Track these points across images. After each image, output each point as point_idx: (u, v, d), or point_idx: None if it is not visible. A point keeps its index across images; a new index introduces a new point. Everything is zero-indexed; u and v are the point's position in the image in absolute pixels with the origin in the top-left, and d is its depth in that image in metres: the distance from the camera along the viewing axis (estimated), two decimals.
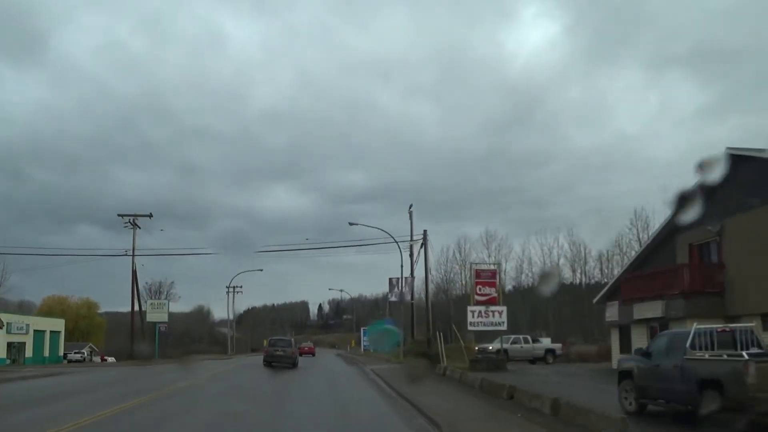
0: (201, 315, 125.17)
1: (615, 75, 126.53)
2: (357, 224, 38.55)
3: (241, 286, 79.25)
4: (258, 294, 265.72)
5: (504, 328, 29.20)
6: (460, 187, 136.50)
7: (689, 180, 16.98)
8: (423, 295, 41.78)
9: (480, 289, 29.14)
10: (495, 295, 29.29)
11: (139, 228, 45.00)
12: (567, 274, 67.81)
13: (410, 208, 43.03)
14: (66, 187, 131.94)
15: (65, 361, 60.48)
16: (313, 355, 65.78)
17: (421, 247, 34.50)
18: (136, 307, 52.72)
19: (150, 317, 60.83)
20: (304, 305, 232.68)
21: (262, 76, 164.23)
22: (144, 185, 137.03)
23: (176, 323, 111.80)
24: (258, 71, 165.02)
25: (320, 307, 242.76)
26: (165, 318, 60.83)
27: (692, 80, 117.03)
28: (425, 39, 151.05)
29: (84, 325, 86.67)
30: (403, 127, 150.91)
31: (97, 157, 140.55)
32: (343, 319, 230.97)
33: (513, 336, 37.32)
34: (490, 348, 35.43)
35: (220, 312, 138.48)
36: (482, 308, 28.78)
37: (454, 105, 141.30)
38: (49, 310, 79.91)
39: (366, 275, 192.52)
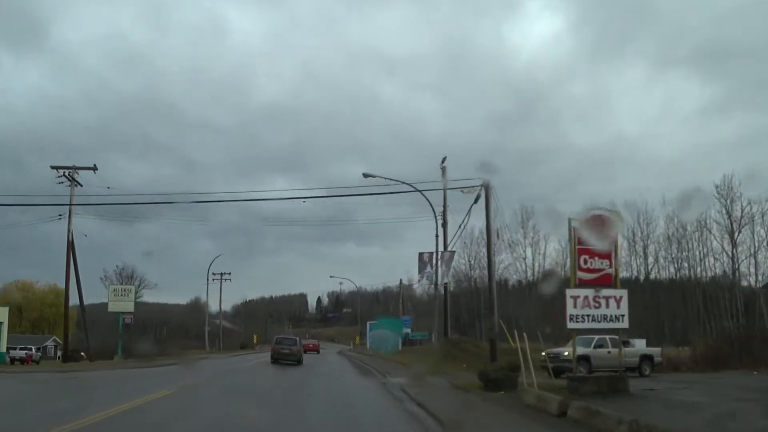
0: (197, 307, 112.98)
1: (619, 72, 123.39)
2: (373, 176, 26.80)
3: (229, 273, 67.70)
4: (256, 286, 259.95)
5: (625, 325, 17.34)
6: (462, 182, 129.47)
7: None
8: (454, 281, 30.18)
9: (585, 262, 17.36)
10: (611, 271, 17.50)
11: (80, 186, 33.41)
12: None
13: (443, 162, 31.39)
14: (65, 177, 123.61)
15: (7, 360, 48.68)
16: (318, 352, 63.40)
17: (475, 202, 22.57)
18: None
19: (112, 307, 49.17)
20: (302, 298, 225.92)
21: (265, 68, 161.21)
22: (145, 176, 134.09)
23: (172, 316, 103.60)
24: (261, 63, 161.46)
25: (319, 299, 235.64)
26: (130, 308, 49.14)
27: (696, 78, 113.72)
28: (430, 32, 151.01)
29: (50, 315, 75.07)
30: (406, 121, 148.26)
31: (97, 147, 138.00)
32: (343, 313, 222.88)
33: (596, 337, 25.68)
34: (566, 354, 23.72)
35: (217, 304, 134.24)
36: (589, 292, 17.04)
37: (457, 99, 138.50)
38: (6, 297, 68.05)
39: (365, 269, 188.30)
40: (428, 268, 26.37)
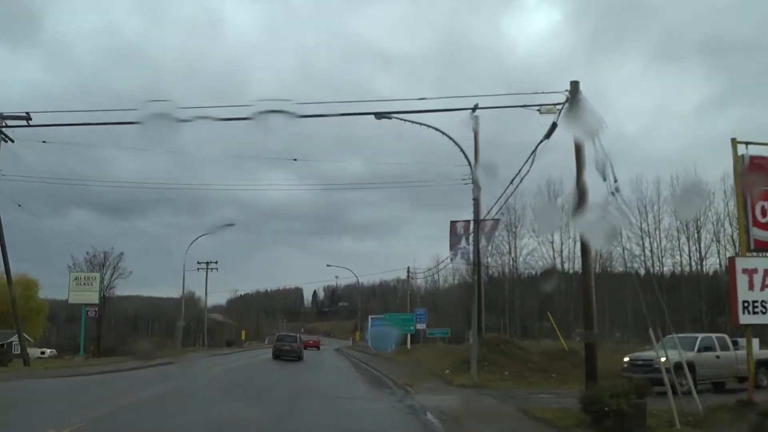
0: (191, 301, 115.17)
1: (617, 65, 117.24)
2: (389, 116, 19.37)
3: (216, 262, 60.20)
4: (250, 280, 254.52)
5: None
6: (458, 175, 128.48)
7: None
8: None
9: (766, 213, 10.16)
10: None
11: (10, 142, 25.93)
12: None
13: (473, 110, 24.06)
14: (60, 171, 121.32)
15: None
16: (318, 348, 64.16)
17: (566, 105, 14.48)
18: None
19: (74, 298, 41.77)
20: (298, 292, 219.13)
21: (260, 62, 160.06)
22: (139, 170, 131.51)
23: (164, 311, 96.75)
24: (257, 56, 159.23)
25: (315, 293, 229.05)
26: (94, 299, 41.73)
27: (695, 72, 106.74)
28: (426, 26, 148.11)
29: (19, 309, 67.34)
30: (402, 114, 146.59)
31: (91, 140, 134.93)
32: (339, 307, 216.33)
33: (700, 336, 18.51)
34: (660, 359, 16.34)
35: (212, 298, 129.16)
36: None
37: (454, 93, 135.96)
38: None
39: (362, 263, 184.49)
40: (462, 243, 19.11)
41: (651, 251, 44.39)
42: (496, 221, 19.58)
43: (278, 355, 35.17)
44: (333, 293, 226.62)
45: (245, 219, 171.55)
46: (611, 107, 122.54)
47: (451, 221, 20.08)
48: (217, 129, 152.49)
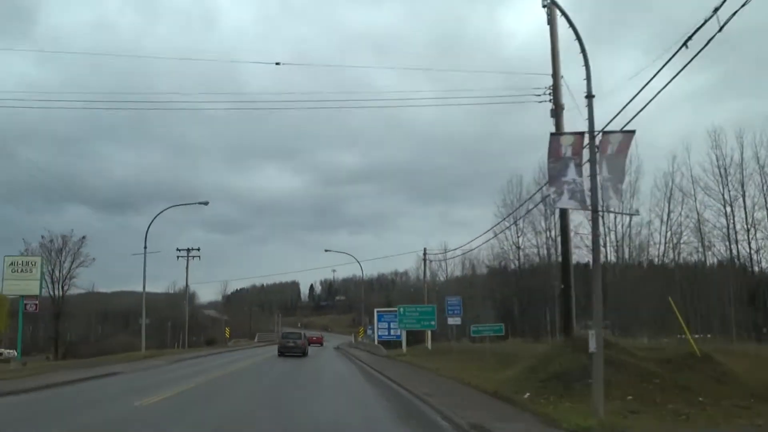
0: (183, 296, 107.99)
1: (613, 57, 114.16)
2: None
3: (198, 249, 51.25)
4: (245, 275, 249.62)
5: None
6: (455, 169, 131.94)
7: None
8: None
9: None
10: None
11: None
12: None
13: None
14: (54, 166, 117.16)
15: None
16: (321, 344, 64.41)
17: None
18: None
19: (9, 287, 32.88)
20: (294, 286, 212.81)
21: (254, 53, 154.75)
22: (134, 165, 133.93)
23: (155, 305, 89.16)
24: (251, 49, 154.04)
25: (312, 287, 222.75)
26: (34, 290, 32.85)
27: (692, 63, 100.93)
28: (423, 16, 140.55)
29: None
30: (398, 107, 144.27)
31: (85, 135, 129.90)
32: (336, 301, 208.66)
33: None
34: None
35: (206, 295, 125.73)
36: None
37: (450, 84, 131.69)
38: None
39: (359, 256, 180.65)
40: (571, 172, 10.40)
41: None
42: (630, 134, 10.88)
43: (283, 352, 36.15)
44: (330, 287, 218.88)
45: (240, 213, 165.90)
46: (608, 100, 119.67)
47: (552, 134, 11.30)
48: (212, 122, 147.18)
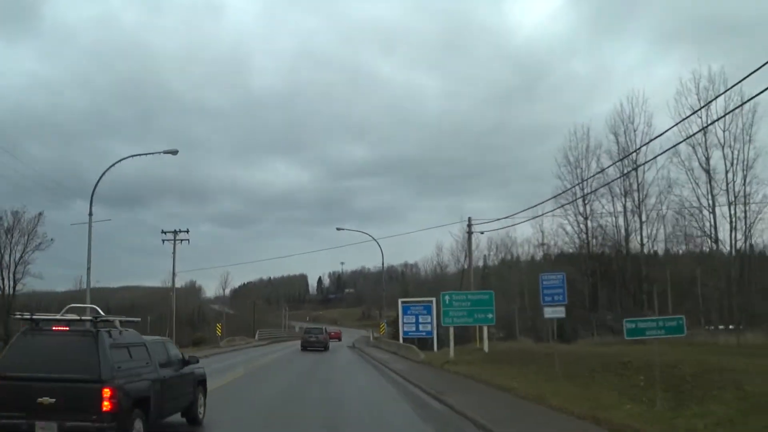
0: (192, 291, 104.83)
1: (620, 48, 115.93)
2: None
3: (187, 230, 42.59)
4: (254, 268, 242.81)
5: None
6: (463, 161, 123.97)
7: None
8: None
9: None
10: None
11: None
12: None
13: None
14: (61, 162, 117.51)
15: None
16: (339, 339, 64.64)
17: None
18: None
19: None
20: (302, 279, 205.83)
21: (260, 47, 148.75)
22: (142, 160, 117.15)
23: (158, 300, 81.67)
24: (256, 41, 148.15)
25: (320, 280, 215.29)
26: None
27: (697, 54, 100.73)
28: (429, 8, 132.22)
29: None
30: (405, 99, 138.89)
31: (92, 131, 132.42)
32: (345, 293, 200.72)
33: None
34: None
35: (213, 289, 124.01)
36: None
37: (457, 76, 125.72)
38: None
39: (365, 249, 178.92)
40: None
41: None
42: None
43: (306, 347, 37.87)
44: (339, 279, 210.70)
45: (248, 208, 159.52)
46: (613, 88, 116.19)
47: None
48: (219, 117, 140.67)
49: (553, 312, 16.45)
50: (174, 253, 40.97)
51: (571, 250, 43.55)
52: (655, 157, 31.62)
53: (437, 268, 74.29)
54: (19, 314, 7.80)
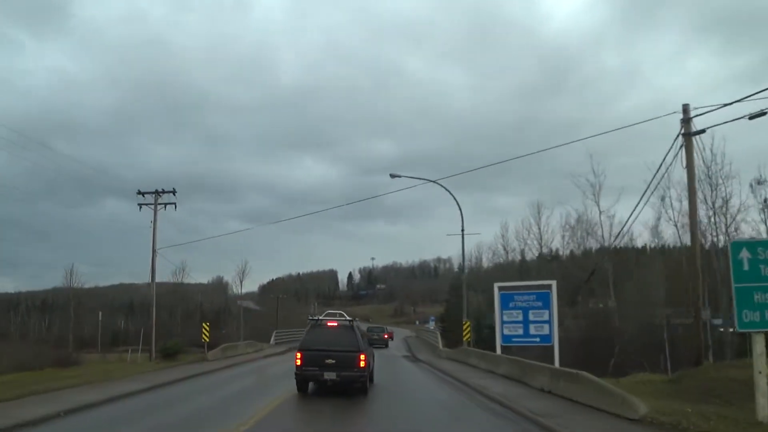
0: (220, 287, 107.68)
1: (652, 40, 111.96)
2: None
3: (173, 192, 28.98)
4: (282, 263, 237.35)
5: None
6: (491, 156, 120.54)
7: None
8: None
9: None
10: None
11: None
12: None
13: None
14: (90, 160, 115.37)
15: None
16: (391, 339, 59.47)
17: None
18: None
19: None
20: (332, 274, 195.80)
21: (287, 43, 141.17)
22: (169, 158, 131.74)
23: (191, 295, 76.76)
24: (283, 37, 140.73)
25: (350, 275, 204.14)
26: None
27: (730, 46, 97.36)
28: (455, 0, 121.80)
29: None
30: (432, 94, 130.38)
31: (120, 129, 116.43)
32: (377, 289, 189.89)
33: None
34: None
35: (245, 285, 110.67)
36: None
37: (485, 70, 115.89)
38: None
39: (396, 244, 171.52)
40: None
41: None
42: None
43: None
44: (369, 275, 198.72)
45: (276, 204, 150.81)
46: (645, 80, 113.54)
47: None
48: (247, 114, 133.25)
49: None
50: (154, 221, 27.47)
51: None
52: None
53: (494, 257, 60.53)
54: (311, 317, 16.16)
